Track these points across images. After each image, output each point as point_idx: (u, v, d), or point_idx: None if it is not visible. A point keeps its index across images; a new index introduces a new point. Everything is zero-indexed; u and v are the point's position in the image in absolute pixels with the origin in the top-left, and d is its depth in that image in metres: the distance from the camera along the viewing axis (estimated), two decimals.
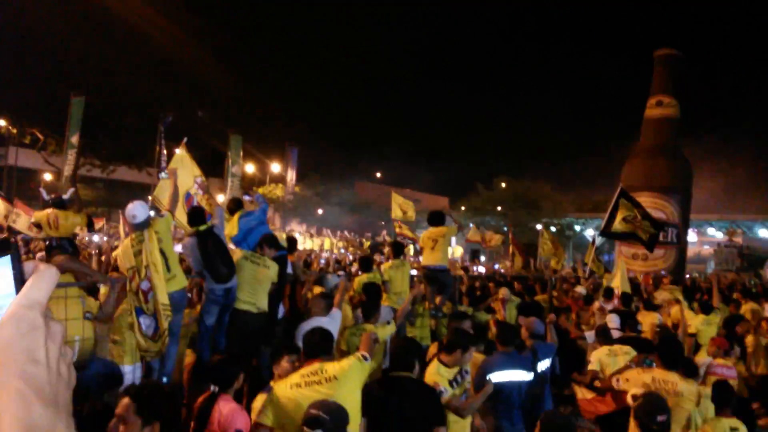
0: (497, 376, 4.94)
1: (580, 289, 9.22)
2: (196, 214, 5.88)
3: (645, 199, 21.77)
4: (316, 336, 3.88)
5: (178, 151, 7.36)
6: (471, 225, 18.75)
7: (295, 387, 3.47)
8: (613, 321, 7.06)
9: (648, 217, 9.71)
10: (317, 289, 6.68)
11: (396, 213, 11.98)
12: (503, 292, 8.54)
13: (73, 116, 25.12)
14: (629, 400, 4.08)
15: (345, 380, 3.47)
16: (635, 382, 4.65)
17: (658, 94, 22.68)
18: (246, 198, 6.89)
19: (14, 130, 32.63)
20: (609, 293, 8.87)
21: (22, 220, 11.41)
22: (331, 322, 5.03)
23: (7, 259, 0.67)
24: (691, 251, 32.99)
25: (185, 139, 7.31)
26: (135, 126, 32.21)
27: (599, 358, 5.84)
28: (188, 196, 6.95)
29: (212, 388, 3.67)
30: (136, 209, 5.05)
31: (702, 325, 7.70)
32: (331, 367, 3.54)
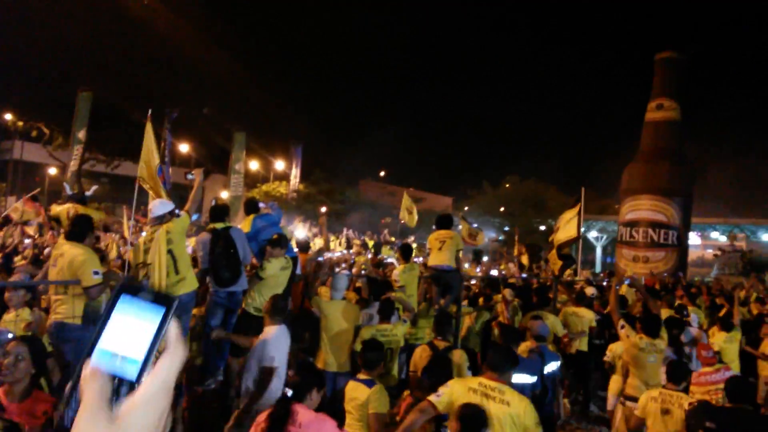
0: None
1: (592, 291, 9.27)
2: (218, 211, 5.91)
3: (646, 202, 21.94)
4: (502, 352, 3.94)
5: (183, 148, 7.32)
6: (474, 225, 18.77)
7: (471, 392, 3.56)
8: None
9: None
10: (324, 289, 6.79)
11: (403, 214, 12.07)
12: (507, 293, 8.60)
13: (79, 111, 25.24)
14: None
15: (516, 412, 3.51)
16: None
17: (659, 97, 22.73)
18: (261, 205, 6.99)
19: (20, 124, 32.78)
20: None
21: (27, 213, 11.49)
22: None
23: (161, 312, 0.70)
24: (694, 254, 33.04)
25: (150, 112, 7.24)
26: (140, 121, 32.32)
27: None
28: (160, 171, 6.79)
29: (287, 391, 3.61)
30: (155, 204, 5.10)
31: (725, 343, 7.45)
32: (510, 394, 3.58)
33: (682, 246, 22.40)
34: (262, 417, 3.43)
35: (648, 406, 4.75)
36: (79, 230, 4.88)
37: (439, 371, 4.57)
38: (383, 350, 4.68)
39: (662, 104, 22.53)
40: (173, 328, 0.70)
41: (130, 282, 0.88)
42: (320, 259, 8.69)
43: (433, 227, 8.05)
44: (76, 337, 4.58)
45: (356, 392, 4.29)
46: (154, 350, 0.69)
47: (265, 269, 5.82)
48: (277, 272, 5.84)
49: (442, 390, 3.63)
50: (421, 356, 5.31)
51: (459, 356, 5.10)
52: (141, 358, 0.67)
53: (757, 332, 8.26)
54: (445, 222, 7.98)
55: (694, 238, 33.67)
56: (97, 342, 0.68)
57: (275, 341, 4.55)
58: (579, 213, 9.03)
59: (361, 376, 4.43)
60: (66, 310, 4.63)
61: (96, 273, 4.61)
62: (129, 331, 0.68)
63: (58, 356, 4.60)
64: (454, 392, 3.59)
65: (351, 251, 20.46)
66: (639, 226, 21.81)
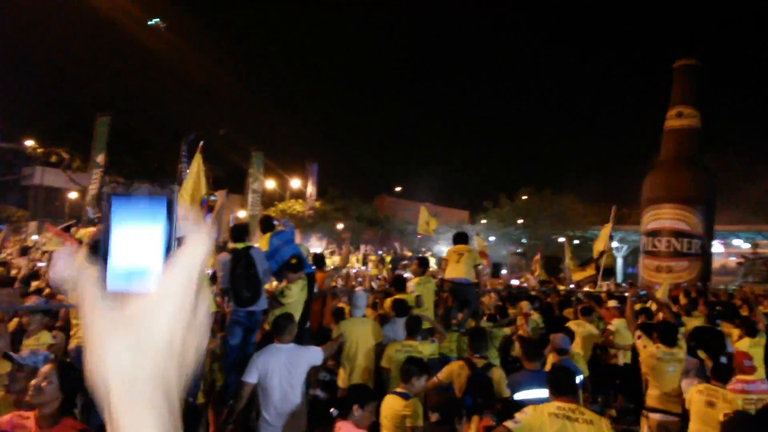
0: (523, 395, 4.95)
1: (614, 302, 9.11)
2: (239, 230, 5.93)
3: (668, 211, 21.64)
4: (565, 374, 3.90)
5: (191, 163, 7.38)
6: (491, 238, 18.70)
7: (552, 416, 3.50)
8: None
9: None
10: (340, 305, 6.73)
11: (422, 227, 12.03)
12: (524, 306, 8.47)
13: (98, 136, 25.66)
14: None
15: (599, 428, 3.49)
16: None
17: (679, 104, 22.51)
18: (275, 222, 6.98)
19: (40, 150, 33.35)
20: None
21: (53, 242, 11.66)
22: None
23: (163, 204, 0.68)
24: (717, 263, 32.47)
25: (201, 143, 7.33)
26: (158, 144, 32.81)
27: None
28: (204, 202, 6.91)
29: (333, 412, 3.68)
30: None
31: (750, 348, 7.30)
32: (589, 413, 3.56)
33: (706, 255, 22.01)
34: None
35: (693, 398, 4.83)
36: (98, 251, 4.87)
37: (480, 390, 4.59)
38: (424, 365, 4.69)
39: (682, 112, 22.31)
40: (187, 214, 0.61)
41: (114, 186, 0.78)
42: (337, 276, 8.65)
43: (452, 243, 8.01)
44: None
45: (393, 405, 4.31)
46: (172, 247, 0.61)
47: (286, 295, 5.82)
48: (299, 297, 5.84)
49: (519, 417, 3.54)
50: (459, 374, 5.22)
51: (498, 374, 5.00)
52: (158, 265, 0.60)
53: None
54: (462, 238, 7.95)
55: (716, 246, 33.14)
56: (106, 262, 0.60)
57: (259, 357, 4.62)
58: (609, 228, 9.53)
59: (398, 389, 4.48)
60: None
61: None
62: (135, 239, 0.60)
63: (78, 381, 4.56)
64: (534, 419, 3.50)
65: (367, 267, 20.43)
66: (661, 235, 21.50)
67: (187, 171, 6.97)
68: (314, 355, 4.82)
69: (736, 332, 7.76)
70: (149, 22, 23.41)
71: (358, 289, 7.33)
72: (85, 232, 8.23)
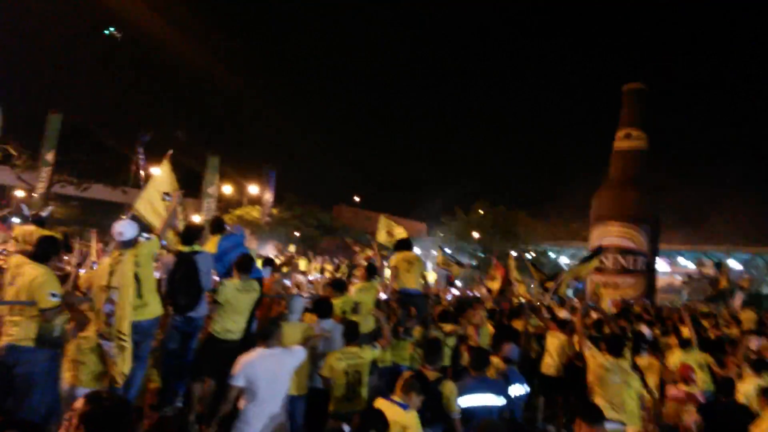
0: (468, 400, 5.04)
1: (564, 314, 9.33)
2: (189, 233, 5.77)
3: (614, 228, 22.31)
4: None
5: (157, 169, 7.29)
6: (447, 250, 18.84)
7: None
8: None
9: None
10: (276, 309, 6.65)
11: (381, 237, 11.94)
12: (478, 317, 8.58)
13: (49, 133, 24.92)
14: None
15: None
16: None
17: (627, 126, 23.34)
18: (226, 226, 6.88)
19: None
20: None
21: None
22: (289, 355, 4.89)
23: None
24: (663, 281, 33.56)
25: (170, 153, 7.22)
26: (112, 144, 32.01)
27: None
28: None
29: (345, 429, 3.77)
30: (124, 227, 4.85)
31: (682, 362, 7.57)
32: None
33: (651, 272, 22.75)
34: None
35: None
36: (43, 251, 4.74)
37: (430, 403, 4.57)
38: (427, 386, 4.63)
39: (630, 134, 23.13)
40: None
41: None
42: (286, 281, 8.57)
43: (393, 250, 8.00)
44: (26, 359, 4.41)
45: (392, 413, 4.23)
46: None
47: (218, 293, 5.70)
48: (232, 295, 5.70)
49: None
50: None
51: (449, 389, 4.96)
52: None
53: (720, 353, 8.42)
54: (408, 244, 7.97)
55: (663, 265, 34.28)
56: None
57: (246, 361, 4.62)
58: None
59: (395, 397, 4.41)
60: (18, 332, 4.44)
61: (54, 295, 4.46)
62: None
63: (8, 380, 4.43)
64: None
65: (325, 275, 20.31)
66: (608, 252, 22.14)
67: (142, 172, 6.86)
68: (298, 356, 4.88)
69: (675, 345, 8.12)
70: (105, 32, 22.84)
71: (295, 293, 7.25)
72: (22, 230, 7.96)
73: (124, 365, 4.51)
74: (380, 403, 4.43)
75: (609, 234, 22.15)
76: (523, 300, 13.95)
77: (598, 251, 9.99)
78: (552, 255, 44.42)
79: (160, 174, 7.02)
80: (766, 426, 5.14)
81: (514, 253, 33.46)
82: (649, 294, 21.73)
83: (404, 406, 4.31)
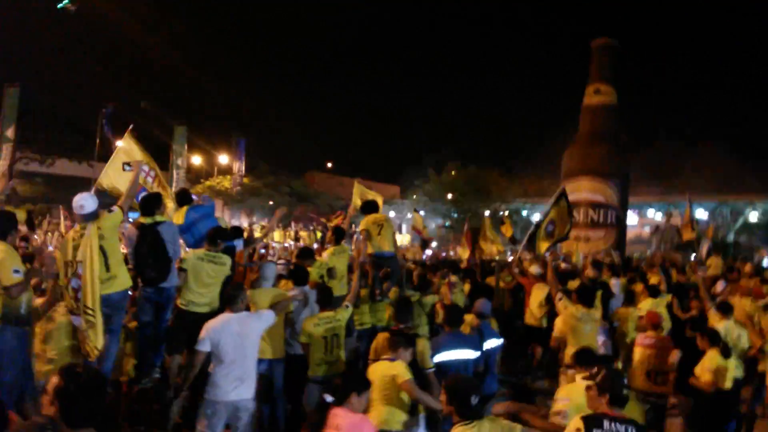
0: (445, 355, 5.15)
1: (535, 269, 9.52)
2: (148, 203, 5.65)
3: (585, 183, 22.62)
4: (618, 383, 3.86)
5: (120, 143, 7.18)
6: (421, 212, 18.94)
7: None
8: None
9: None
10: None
11: (356, 201, 11.87)
12: (452, 277, 8.75)
13: (8, 108, 24.09)
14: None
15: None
16: None
17: (596, 82, 23.44)
18: (194, 198, 6.77)
19: None
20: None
21: None
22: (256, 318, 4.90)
23: None
24: (632, 233, 34.28)
25: (131, 127, 7.10)
26: (74, 118, 31.16)
27: None
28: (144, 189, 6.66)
29: (327, 398, 3.78)
30: (84, 199, 4.74)
31: (652, 308, 7.82)
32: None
33: (621, 225, 23.19)
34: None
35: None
36: (0, 228, 4.62)
37: None
38: (410, 338, 4.81)
39: (599, 89, 23.24)
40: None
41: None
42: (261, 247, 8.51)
43: (361, 213, 7.97)
44: None
45: (381, 369, 4.44)
46: None
47: (182, 261, 5.68)
48: (194, 264, 5.66)
49: (563, 406, 3.57)
50: (384, 345, 5.27)
51: (422, 345, 5.04)
52: None
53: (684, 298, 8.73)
54: (374, 207, 7.91)
55: (631, 217, 34.95)
56: None
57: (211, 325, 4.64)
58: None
59: (384, 356, 4.66)
60: None
61: (17, 272, 4.36)
62: None
63: None
64: (577, 401, 3.58)
65: (300, 243, 20.29)
66: (579, 206, 22.45)
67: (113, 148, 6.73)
68: (266, 318, 4.88)
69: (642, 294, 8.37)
70: (59, 5, 21.89)
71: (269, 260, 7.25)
72: None
73: (96, 340, 4.46)
74: (372, 367, 4.60)
75: (580, 189, 22.43)
76: (496, 258, 14.22)
77: (563, 193, 10.09)
78: (524, 212, 44.96)
79: (122, 146, 6.92)
80: (707, 364, 5.59)
81: (487, 212, 33.93)
82: (620, 246, 22.21)
83: (392, 359, 4.49)
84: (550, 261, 7.42)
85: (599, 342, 6.75)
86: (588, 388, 3.34)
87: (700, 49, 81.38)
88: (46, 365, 4.81)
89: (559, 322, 6.82)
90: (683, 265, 13.32)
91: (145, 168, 6.81)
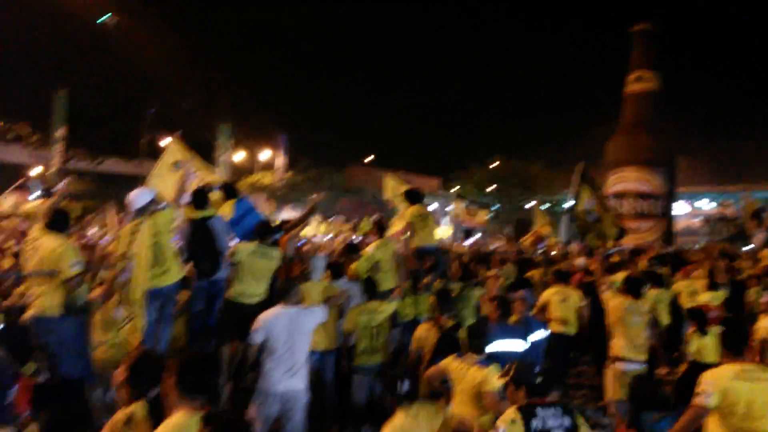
0: (493, 346, 5.11)
1: (580, 261, 9.34)
2: (199, 197, 5.79)
3: (630, 173, 22.07)
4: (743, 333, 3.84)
5: (168, 142, 7.37)
6: (464, 204, 18.78)
7: (739, 379, 3.41)
8: None
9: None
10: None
11: (388, 194, 11.82)
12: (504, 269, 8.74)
13: (57, 110, 24.96)
14: None
15: None
16: None
17: (637, 69, 22.88)
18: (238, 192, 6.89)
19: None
20: None
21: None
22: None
23: None
24: (682, 223, 33.32)
25: (180, 132, 7.32)
26: (121, 117, 32.02)
27: None
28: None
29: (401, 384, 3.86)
30: (135, 195, 4.90)
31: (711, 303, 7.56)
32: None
33: (668, 215, 22.57)
34: None
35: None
36: (56, 221, 4.79)
37: (448, 349, 4.68)
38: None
39: (641, 76, 22.68)
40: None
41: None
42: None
43: (401, 204, 7.90)
44: (55, 329, 4.52)
45: (478, 373, 4.28)
46: None
47: (233, 255, 5.79)
48: (246, 258, 5.76)
49: (707, 389, 3.42)
50: (427, 336, 5.35)
51: (465, 334, 5.02)
52: None
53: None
54: (418, 197, 7.83)
55: (683, 207, 33.98)
56: None
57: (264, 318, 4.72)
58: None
59: (472, 358, 4.45)
60: (43, 302, 4.54)
61: (76, 264, 4.54)
62: None
63: (42, 349, 4.54)
64: (721, 386, 3.41)
65: (342, 236, 20.36)
66: (625, 197, 21.98)
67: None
68: (318, 315, 4.98)
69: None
70: (98, 21, 22.60)
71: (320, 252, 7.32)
72: (34, 206, 8.05)
73: (135, 333, 4.69)
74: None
75: (624, 179, 21.94)
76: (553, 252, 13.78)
77: (585, 171, 9.96)
78: (566, 206, 44.10)
79: (170, 147, 7.13)
80: None
81: (533, 204, 33.47)
82: (668, 238, 21.61)
83: (485, 363, 4.37)
84: (600, 254, 7.28)
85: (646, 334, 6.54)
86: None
87: (748, 29, 78.12)
88: (107, 352, 4.97)
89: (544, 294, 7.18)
90: (737, 256, 12.88)
91: (191, 169, 6.97)
